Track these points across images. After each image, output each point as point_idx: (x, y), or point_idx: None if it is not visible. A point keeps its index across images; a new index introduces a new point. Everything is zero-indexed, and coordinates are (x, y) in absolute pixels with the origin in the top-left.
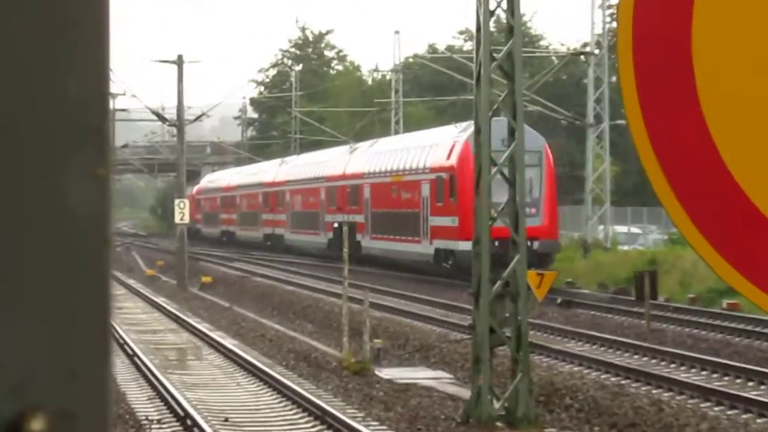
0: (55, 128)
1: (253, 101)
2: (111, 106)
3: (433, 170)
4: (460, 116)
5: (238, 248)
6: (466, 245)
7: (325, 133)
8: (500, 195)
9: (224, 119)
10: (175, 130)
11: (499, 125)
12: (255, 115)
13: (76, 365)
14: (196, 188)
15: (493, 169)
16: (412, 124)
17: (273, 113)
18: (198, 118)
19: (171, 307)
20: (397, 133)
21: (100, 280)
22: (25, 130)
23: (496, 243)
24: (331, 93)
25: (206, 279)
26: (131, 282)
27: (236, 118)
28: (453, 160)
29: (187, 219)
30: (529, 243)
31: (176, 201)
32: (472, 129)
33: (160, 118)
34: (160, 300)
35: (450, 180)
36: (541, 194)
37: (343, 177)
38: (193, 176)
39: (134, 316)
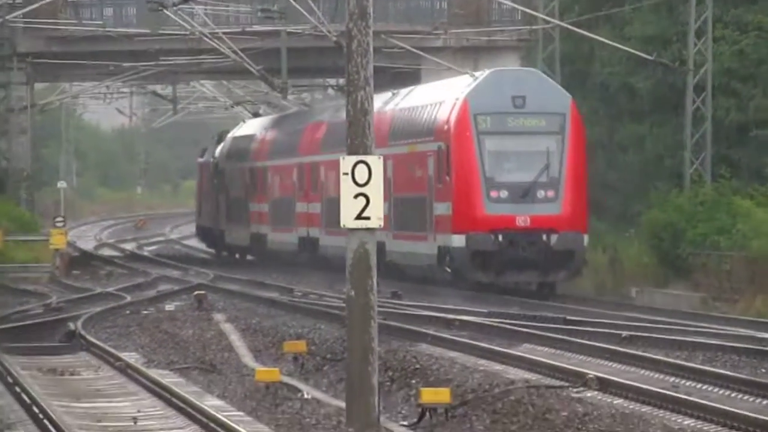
0: None
1: None
2: None
3: (436, 137)
4: None
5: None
6: (461, 241)
7: None
8: (506, 169)
9: None
10: None
11: (511, 77)
12: None
13: None
14: (219, 148)
15: (495, 137)
16: None
17: None
18: None
19: None
20: None
21: None
22: None
23: (499, 237)
24: None
25: (434, 394)
26: (211, 403)
27: None
28: (451, 124)
29: (377, 220)
30: (543, 237)
31: (343, 162)
32: (482, 78)
33: None
34: None
35: (447, 151)
36: (561, 172)
37: (385, 141)
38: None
39: None
